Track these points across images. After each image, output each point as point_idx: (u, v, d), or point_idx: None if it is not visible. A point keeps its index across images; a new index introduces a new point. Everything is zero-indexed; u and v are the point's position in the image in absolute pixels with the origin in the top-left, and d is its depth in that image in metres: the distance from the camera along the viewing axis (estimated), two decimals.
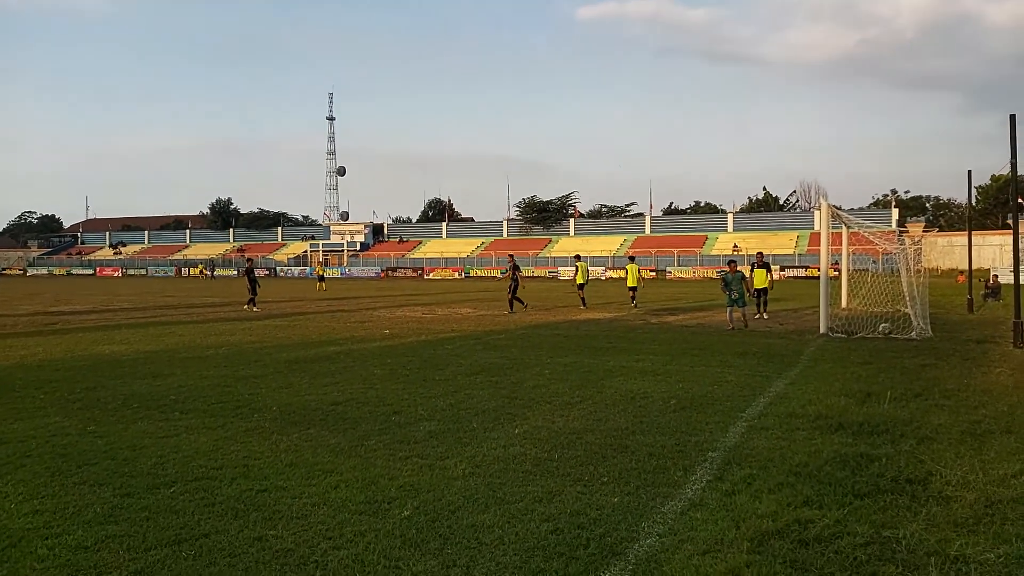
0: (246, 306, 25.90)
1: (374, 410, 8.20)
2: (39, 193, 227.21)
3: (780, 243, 72.38)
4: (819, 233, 69.42)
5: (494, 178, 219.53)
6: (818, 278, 17.85)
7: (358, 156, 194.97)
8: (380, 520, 4.81)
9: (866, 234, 21.94)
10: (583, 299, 25.48)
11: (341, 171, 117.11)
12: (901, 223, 69.45)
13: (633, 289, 25.48)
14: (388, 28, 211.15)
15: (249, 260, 29.58)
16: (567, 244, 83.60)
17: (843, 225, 23.11)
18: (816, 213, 77.34)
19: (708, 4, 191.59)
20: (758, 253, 23.58)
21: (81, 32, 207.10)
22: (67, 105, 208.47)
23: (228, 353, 13.22)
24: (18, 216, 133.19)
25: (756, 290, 20.80)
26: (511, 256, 26.22)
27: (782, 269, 63.86)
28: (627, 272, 26.18)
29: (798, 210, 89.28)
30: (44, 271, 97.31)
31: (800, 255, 68.07)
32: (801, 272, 62.35)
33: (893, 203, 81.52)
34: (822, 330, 16.12)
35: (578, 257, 27.22)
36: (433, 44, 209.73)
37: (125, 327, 18.73)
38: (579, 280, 25.71)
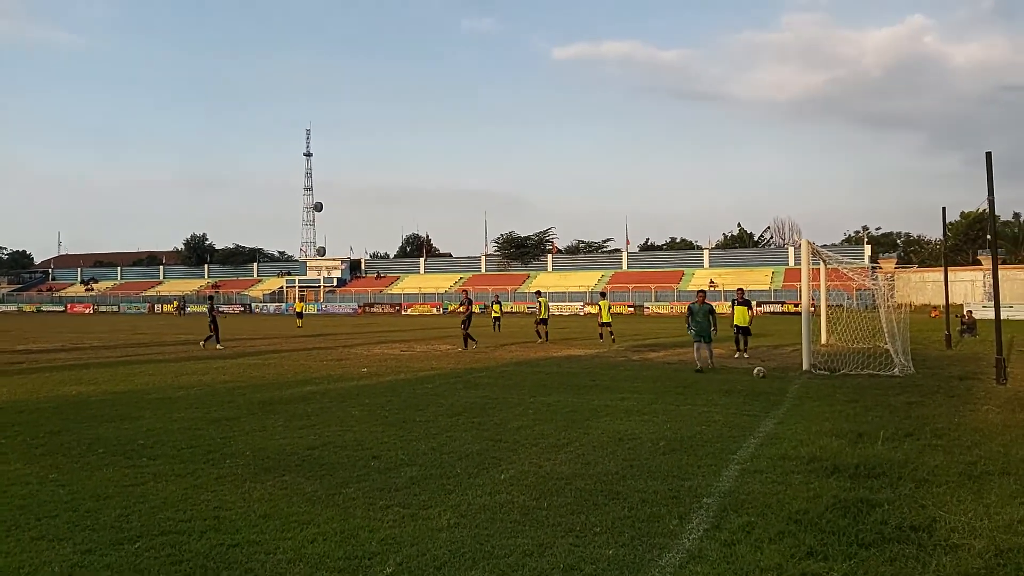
0: (203, 343, 25.46)
1: (352, 455, 7.86)
2: (9, 228, 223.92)
3: (756, 279, 72.95)
4: (795, 269, 69.77)
5: (472, 213, 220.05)
6: (796, 313, 17.81)
7: (335, 191, 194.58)
8: None
9: (844, 270, 22.05)
10: (546, 333, 26.52)
11: (318, 207, 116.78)
12: (873, 259, 70.42)
13: (605, 324, 25.70)
14: (364, 65, 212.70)
15: (210, 298, 29.12)
16: (545, 279, 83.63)
17: (821, 261, 23.20)
18: (791, 249, 78.22)
19: (680, 45, 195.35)
20: (738, 290, 22.73)
21: (55, 66, 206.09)
22: (39, 139, 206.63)
23: (200, 394, 12.78)
24: None
25: (736, 327, 20.48)
26: (465, 291, 26.74)
27: (759, 304, 64.29)
28: (599, 308, 26.54)
29: (772, 246, 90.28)
30: (14, 308, 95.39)
31: (776, 290, 68.61)
32: (777, 308, 62.77)
33: (865, 239, 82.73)
34: (805, 367, 16.01)
35: (539, 293, 28.65)
36: (410, 82, 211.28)
37: (94, 366, 18.17)
38: (542, 315, 26.92)
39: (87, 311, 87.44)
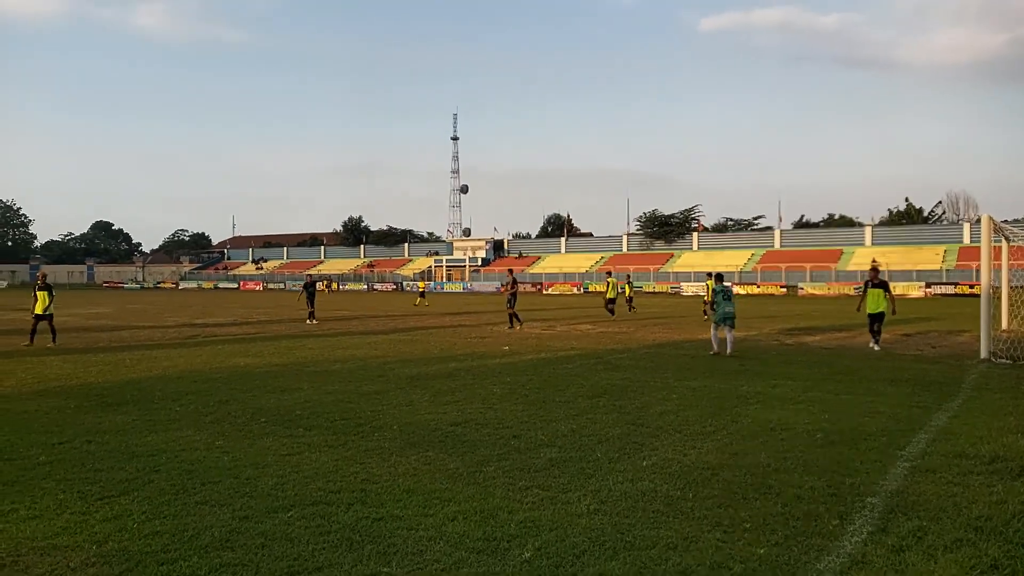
0: (308, 321, 26.57)
1: (493, 433, 7.89)
2: (191, 212, 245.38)
3: (925, 258, 67.48)
4: (970, 247, 64.32)
5: (614, 193, 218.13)
6: (971, 296, 16.18)
7: (480, 174, 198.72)
8: (499, 561, 4.44)
9: None
10: (611, 310, 28.57)
11: (464, 189, 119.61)
12: None
13: (611, 301, 28.55)
14: (508, 46, 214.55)
15: (308, 275, 30.60)
16: (690, 259, 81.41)
17: (1003, 238, 20.97)
18: (966, 226, 71.74)
19: (840, 9, 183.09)
20: (872, 268, 18.04)
21: (226, 63, 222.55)
22: (215, 132, 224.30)
23: (353, 367, 13.36)
24: (172, 234, 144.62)
25: (870, 316, 16.68)
26: (511, 271, 27.05)
27: (928, 286, 59.49)
28: (607, 285, 29.20)
29: (944, 222, 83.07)
30: (194, 285, 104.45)
31: (948, 271, 63.15)
32: (950, 289, 57.79)
33: None
34: (983, 355, 14.53)
35: (609, 274, 31.77)
36: (553, 62, 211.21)
37: (259, 340, 19.48)
38: (610, 295, 29.07)
39: (257, 288, 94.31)
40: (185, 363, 14.20)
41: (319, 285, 42.47)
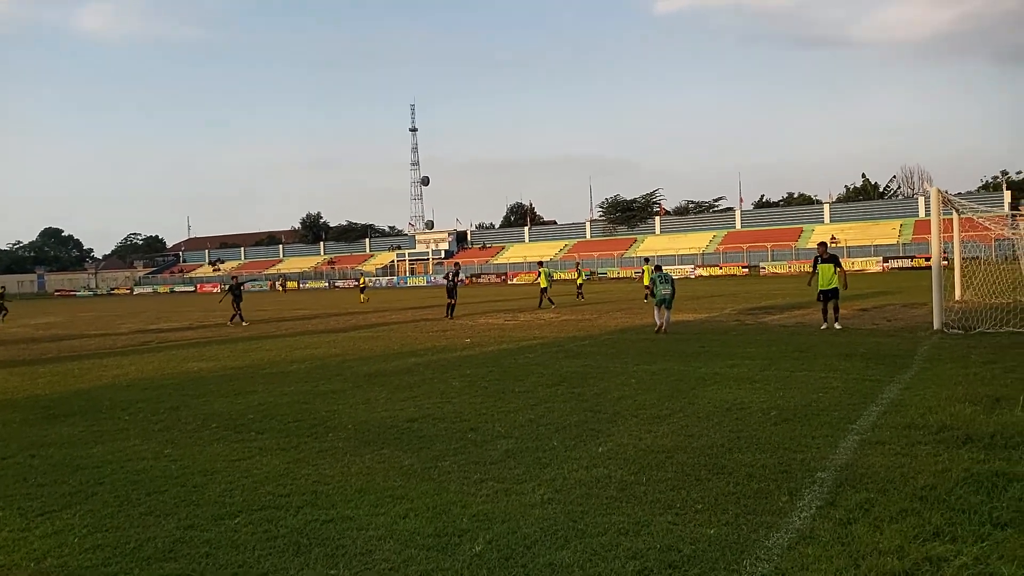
0: (231, 322, 26.07)
1: (450, 427, 7.82)
2: (144, 215, 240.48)
3: (882, 232, 68.85)
4: (925, 220, 65.76)
5: (577, 180, 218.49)
6: (927, 268, 16.47)
7: (441, 165, 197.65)
8: (449, 557, 4.38)
9: (980, 219, 20.30)
10: (550, 299, 28.71)
11: (425, 181, 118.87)
12: (1014, 206, 64.85)
13: (544, 290, 29.22)
14: (465, 32, 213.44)
15: (234, 277, 30.12)
16: (653, 243, 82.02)
17: (954, 211, 21.44)
18: (921, 199, 73.28)
19: None
20: (820, 244, 17.30)
21: (177, 60, 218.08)
22: (166, 129, 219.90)
23: (310, 367, 13.18)
24: (124, 238, 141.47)
25: (821, 292, 16.27)
26: (456, 263, 29.76)
27: (885, 260, 60.70)
28: (539, 275, 29.99)
29: (900, 197, 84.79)
30: (149, 289, 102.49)
31: (904, 244, 64.52)
32: (907, 263, 59.05)
33: (1004, 185, 76.27)
34: (936, 326, 14.84)
35: (541, 263, 31.99)
36: (510, 47, 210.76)
37: (216, 343, 19.14)
38: (543, 284, 29.49)
39: (215, 290, 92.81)
40: (136, 371, 13.87)
41: (276, 285, 41.84)
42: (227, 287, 28.01)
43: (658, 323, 16.70)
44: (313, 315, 30.92)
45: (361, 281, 47.84)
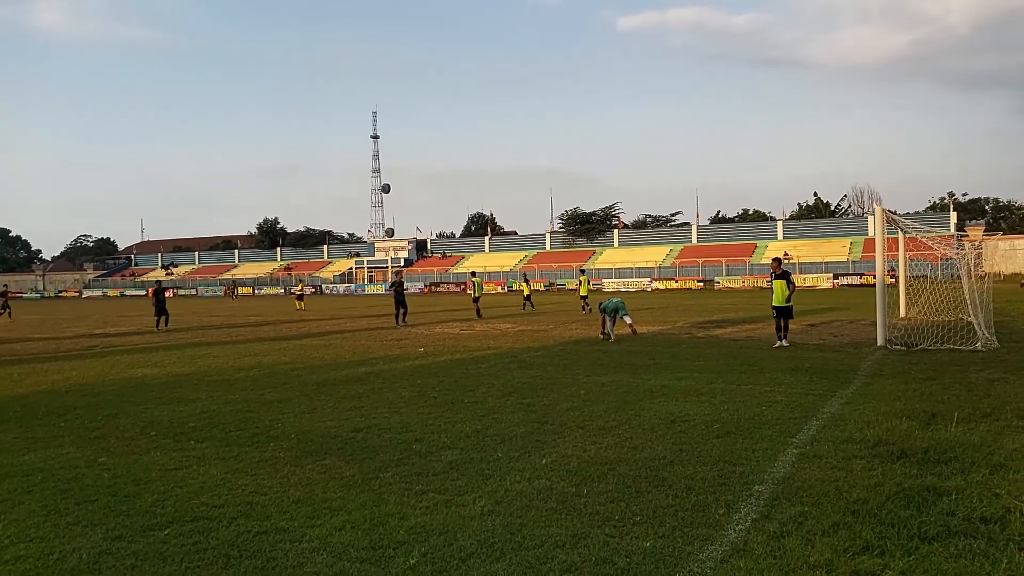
0: (157, 328, 25.83)
1: (395, 437, 7.75)
2: (95, 217, 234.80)
3: (833, 250, 70.42)
4: (874, 239, 67.40)
5: (538, 192, 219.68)
6: (873, 286, 16.87)
7: (402, 173, 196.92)
8: (382, 570, 4.32)
9: (923, 239, 20.84)
10: (478, 311, 30.03)
11: (386, 188, 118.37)
12: (960, 227, 67.01)
13: (527, 299, 33.83)
14: (428, 44, 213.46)
15: (158, 282, 29.82)
16: (611, 255, 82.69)
17: (899, 230, 22.00)
18: (870, 218, 75.12)
19: (751, 9, 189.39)
20: (774, 260, 17.29)
21: (133, 59, 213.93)
22: (121, 130, 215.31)
23: (257, 375, 12.95)
24: (74, 240, 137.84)
25: (776, 309, 16.19)
26: (398, 272, 34.20)
27: (835, 277, 62.07)
28: (473, 286, 32.02)
29: (850, 216, 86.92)
30: (99, 292, 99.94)
31: (854, 262, 66.09)
32: (856, 279, 60.46)
33: (951, 206, 78.73)
34: (880, 342, 15.20)
35: (474, 273, 33.86)
36: (474, 59, 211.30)
37: (163, 348, 18.71)
38: (475, 294, 30.94)
39: (168, 295, 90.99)
40: (78, 376, 13.49)
41: (242, 289, 41.21)
42: (152, 291, 27.51)
43: (605, 329, 18.11)
44: (265, 322, 30.44)
45: (299, 288, 45.72)
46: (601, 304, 18.48)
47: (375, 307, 41.83)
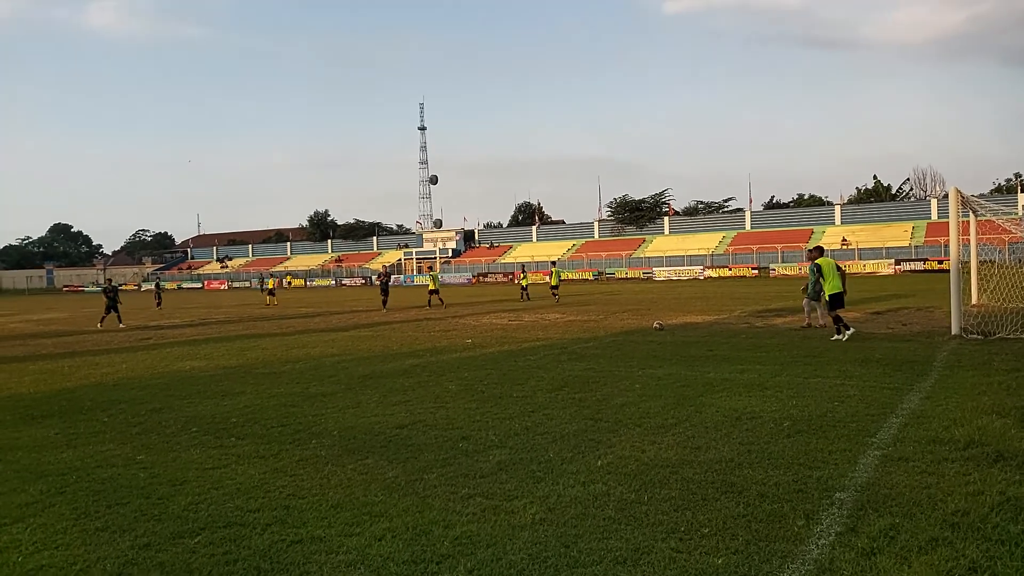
0: (99, 325, 25.46)
1: (441, 434, 7.35)
2: (153, 212, 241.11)
3: (894, 235, 67.92)
4: (938, 223, 64.86)
5: (585, 180, 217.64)
6: (939, 271, 15.87)
7: (450, 164, 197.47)
8: None
9: (997, 221, 19.69)
10: (440, 300, 31.18)
11: (433, 180, 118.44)
12: None
13: (524, 289, 35.03)
14: (474, 34, 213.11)
15: (108, 280, 29.60)
16: (662, 243, 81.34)
17: (971, 212, 20.81)
18: (933, 202, 72.34)
19: None
20: (810, 250, 16.15)
21: (186, 57, 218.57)
22: (176, 126, 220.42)
23: (304, 368, 12.73)
24: (133, 234, 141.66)
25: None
26: (384, 265, 36.54)
27: (897, 263, 59.89)
28: (430, 279, 33.32)
29: (912, 199, 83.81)
30: (162, 286, 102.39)
31: (916, 247, 63.63)
32: (919, 265, 58.23)
33: (1019, 187, 75.24)
34: (954, 331, 14.26)
35: (431, 267, 36.00)
36: (519, 47, 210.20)
37: (213, 341, 18.73)
38: (432, 286, 31.98)
39: (222, 287, 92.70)
40: (127, 369, 13.47)
41: (269, 283, 41.45)
42: (102, 290, 27.34)
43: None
44: (316, 313, 30.51)
45: (271, 283, 41.47)
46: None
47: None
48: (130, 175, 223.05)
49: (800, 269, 62.92)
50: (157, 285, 41.31)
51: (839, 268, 14.98)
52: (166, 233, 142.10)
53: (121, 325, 25.43)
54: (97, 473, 6.40)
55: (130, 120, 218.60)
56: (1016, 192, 71.34)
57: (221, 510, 5.28)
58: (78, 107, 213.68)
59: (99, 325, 25.43)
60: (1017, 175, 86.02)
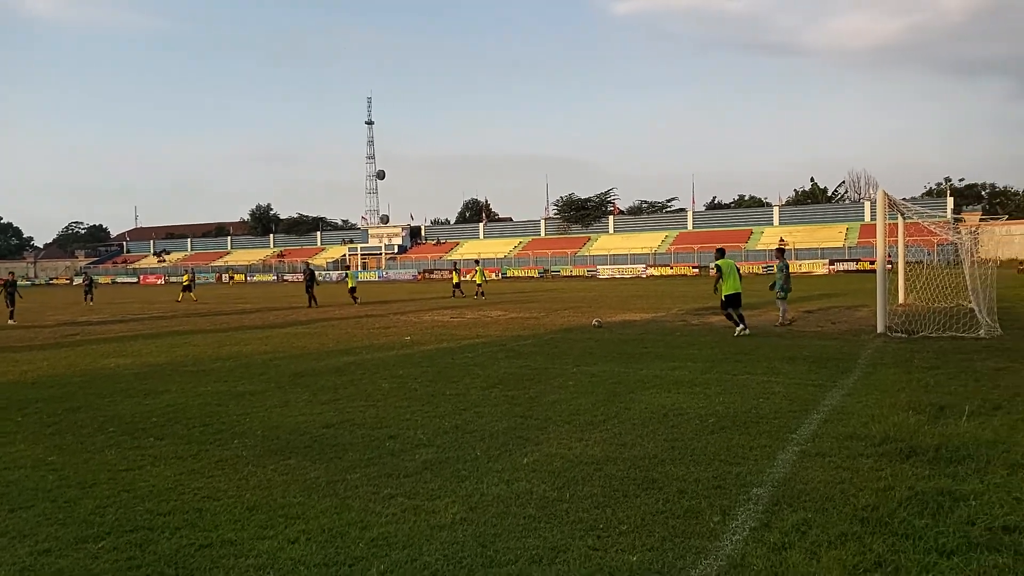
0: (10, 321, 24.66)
1: (369, 434, 7.24)
2: (87, 204, 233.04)
3: (829, 236, 69.96)
4: (871, 225, 66.81)
5: (532, 178, 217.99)
6: (871, 271, 16.40)
7: (397, 160, 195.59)
8: None
9: (925, 224, 20.39)
10: (355, 298, 31.40)
11: (380, 175, 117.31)
12: (956, 212, 66.54)
13: (456, 286, 36.40)
14: (423, 30, 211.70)
15: (11, 273, 28.83)
16: (606, 242, 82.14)
17: (899, 215, 21.52)
18: (867, 204, 74.67)
19: None
20: (717, 250, 16.55)
21: (126, 45, 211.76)
22: (114, 116, 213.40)
23: (234, 366, 12.42)
24: (66, 227, 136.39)
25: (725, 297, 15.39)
26: (307, 263, 41.28)
27: (831, 263, 61.65)
28: (347, 276, 35.40)
29: (847, 201, 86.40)
30: (92, 280, 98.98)
31: (850, 248, 65.66)
32: (852, 265, 60.05)
33: (948, 192, 78.25)
34: (880, 329, 14.73)
35: (347, 267, 38.45)
36: (469, 45, 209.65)
37: (143, 337, 18.17)
38: (351, 283, 32.95)
39: (159, 282, 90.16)
40: (48, 366, 12.95)
41: (236, 276, 40.81)
42: (2, 283, 26.46)
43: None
44: (254, 309, 29.88)
45: (185, 279, 39.96)
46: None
47: (372, 294, 41.25)
48: (64, 165, 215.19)
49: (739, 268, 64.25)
50: (87, 279, 39.87)
51: (737, 269, 15.93)
52: (101, 226, 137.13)
53: (11, 322, 24.41)
54: (3, 476, 6.11)
55: (66, 108, 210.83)
56: (945, 196, 74.16)
57: (130, 513, 5.08)
58: (10, 93, 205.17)
59: (10, 321, 24.40)
60: (947, 179, 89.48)
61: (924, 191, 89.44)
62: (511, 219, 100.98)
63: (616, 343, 14.36)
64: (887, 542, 4.24)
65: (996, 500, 4.86)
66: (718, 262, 15.75)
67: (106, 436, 7.46)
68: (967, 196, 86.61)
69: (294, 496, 5.38)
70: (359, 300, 31.71)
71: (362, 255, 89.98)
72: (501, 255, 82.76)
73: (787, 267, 17.58)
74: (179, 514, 5.04)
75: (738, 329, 14.98)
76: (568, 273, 71.93)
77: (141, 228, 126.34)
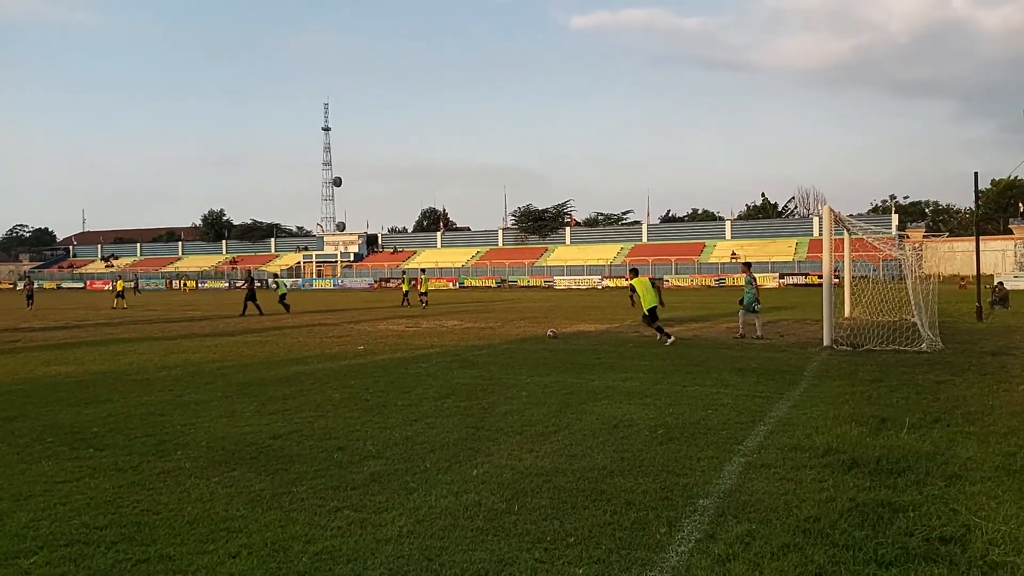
0: None
1: (316, 445, 7.13)
2: (32, 206, 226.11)
3: (779, 250, 71.44)
4: (820, 239, 68.81)
5: (490, 188, 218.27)
6: (818, 285, 16.81)
7: (354, 167, 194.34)
8: None
9: (870, 239, 20.95)
10: (286, 306, 30.80)
11: (337, 181, 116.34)
12: (901, 228, 68.58)
13: (405, 294, 36.82)
14: (382, 38, 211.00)
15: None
16: (563, 253, 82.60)
17: (845, 230, 22.09)
18: (815, 219, 76.46)
19: (701, 12, 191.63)
20: (631, 270, 18.45)
21: (74, 44, 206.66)
22: (61, 117, 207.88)
23: (181, 374, 12.14)
24: (10, 229, 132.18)
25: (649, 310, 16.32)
26: (248, 270, 35.67)
27: (781, 276, 62.91)
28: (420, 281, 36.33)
29: (797, 216, 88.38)
30: (34, 285, 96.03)
31: (800, 262, 67.11)
32: (801, 279, 61.37)
33: (893, 209, 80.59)
34: (826, 342, 15.07)
35: (276, 275, 35.67)
36: (428, 54, 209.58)
37: (87, 344, 17.67)
38: (281, 290, 33.01)
39: (106, 287, 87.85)
40: None
41: (189, 283, 39.97)
42: None
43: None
44: (203, 316, 29.29)
45: (119, 285, 38.94)
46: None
47: (329, 302, 40.74)
48: (6, 166, 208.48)
49: (691, 281, 65.24)
50: (29, 284, 38.63)
51: (654, 284, 16.84)
52: (47, 229, 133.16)
53: None
54: None
55: (7, 107, 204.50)
56: (891, 213, 76.36)
57: (65, 527, 4.92)
58: None
59: None
60: (892, 197, 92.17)
61: (870, 208, 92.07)
62: (469, 228, 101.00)
63: (570, 353, 14.42)
64: (828, 553, 4.32)
65: (934, 511, 4.99)
66: (632, 282, 16.93)
67: (44, 446, 7.22)
68: (911, 213, 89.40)
69: (237, 509, 5.27)
70: (290, 308, 31.15)
71: (317, 262, 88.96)
72: (459, 264, 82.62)
73: (755, 280, 17.96)
74: (116, 528, 4.89)
75: (667, 340, 15.67)
76: (525, 283, 72.17)
77: (89, 232, 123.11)
